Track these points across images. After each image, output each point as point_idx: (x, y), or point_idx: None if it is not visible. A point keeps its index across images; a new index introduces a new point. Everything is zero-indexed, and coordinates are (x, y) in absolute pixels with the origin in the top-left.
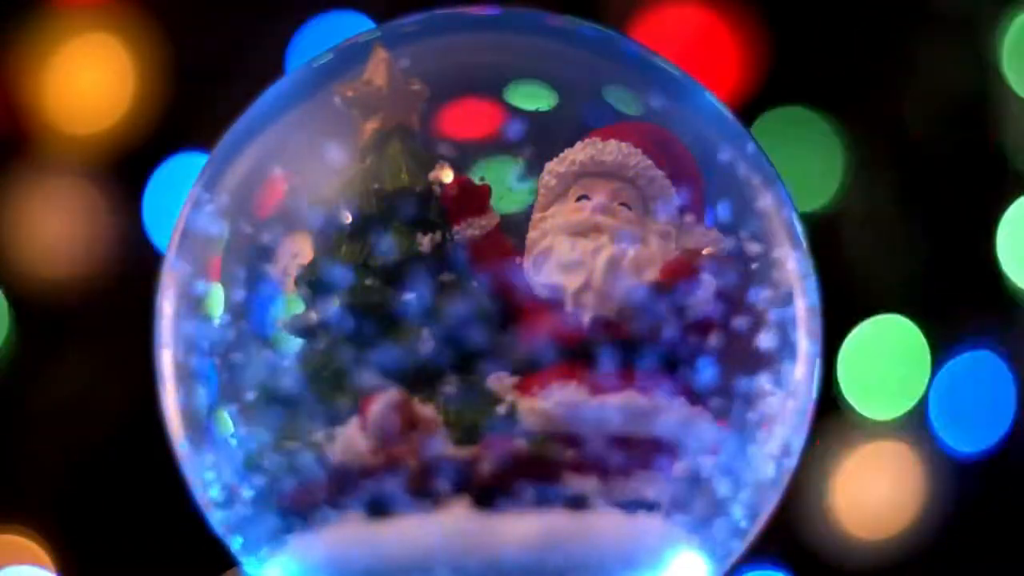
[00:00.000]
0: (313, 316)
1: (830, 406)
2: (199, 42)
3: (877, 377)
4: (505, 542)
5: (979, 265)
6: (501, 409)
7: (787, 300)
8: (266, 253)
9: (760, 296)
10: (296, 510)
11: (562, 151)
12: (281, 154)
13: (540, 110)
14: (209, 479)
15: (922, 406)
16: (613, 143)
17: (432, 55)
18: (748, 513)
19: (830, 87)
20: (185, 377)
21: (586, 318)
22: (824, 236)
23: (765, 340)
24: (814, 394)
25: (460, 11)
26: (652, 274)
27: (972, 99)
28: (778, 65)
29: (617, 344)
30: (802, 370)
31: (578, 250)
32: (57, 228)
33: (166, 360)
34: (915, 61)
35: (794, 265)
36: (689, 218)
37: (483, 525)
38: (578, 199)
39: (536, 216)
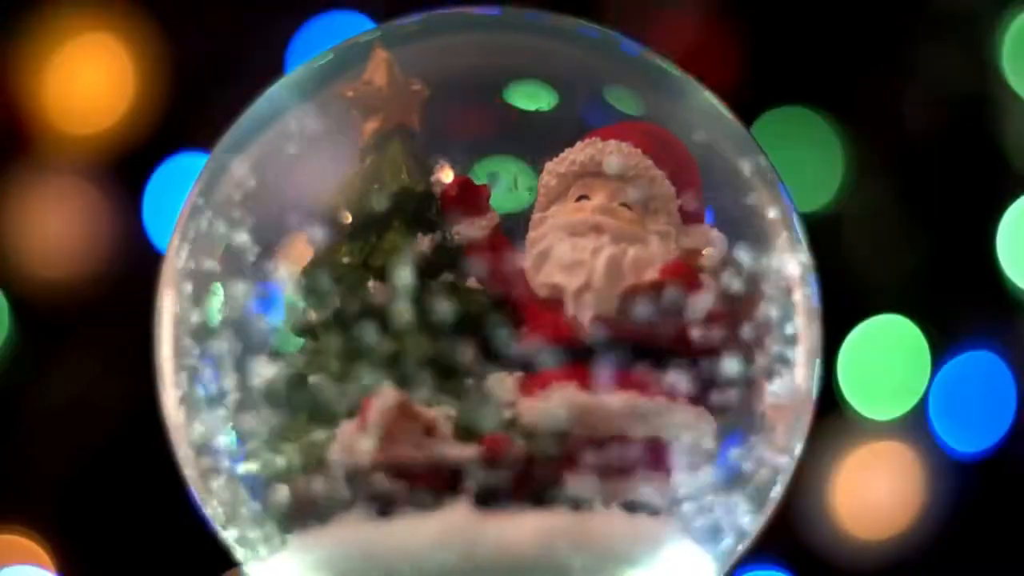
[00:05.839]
0: (313, 316)
1: (830, 406)
2: (199, 42)
3: (877, 377)
4: (505, 542)
5: (979, 265)
6: (501, 409)
7: (787, 300)
8: (266, 253)
9: (760, 296)
10: (296, 510)
11: (562, 151)
12: (281, 154)
13: (540, 110)
14: (209, 479)
15: (922, 406)
16: (613, 143)
17: (432, 55)
18: (748, 513)
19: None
20: (185, 377)
21: (586, 318)
22: (824, 236)
23: (765, 340)
24: (814, 394)
25: (460, 11)
26: (652, 274)
27: (972, 99)
28: (777, 65)
29: (617, 344)
30: (802, 370)
31: (578, 250)
32: (57, 228)
33: (166, 359)
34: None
35: (794, 265)
36: (689, 218)
37: (483, 525)
38: (578, 199)
39: (536, 216)
